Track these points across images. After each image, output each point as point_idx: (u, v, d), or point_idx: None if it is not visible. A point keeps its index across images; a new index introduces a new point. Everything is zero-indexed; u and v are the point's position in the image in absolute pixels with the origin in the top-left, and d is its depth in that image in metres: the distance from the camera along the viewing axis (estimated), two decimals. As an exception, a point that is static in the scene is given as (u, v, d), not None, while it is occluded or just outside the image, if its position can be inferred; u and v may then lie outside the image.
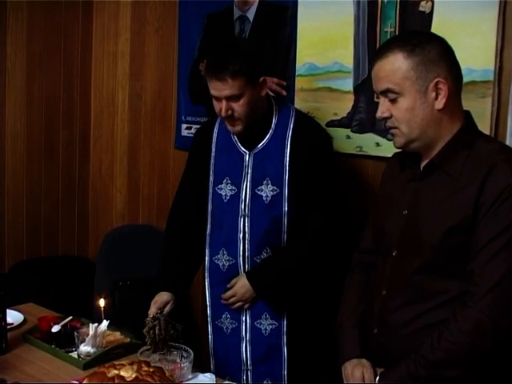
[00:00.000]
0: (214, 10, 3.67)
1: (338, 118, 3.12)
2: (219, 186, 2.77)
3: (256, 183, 2.70)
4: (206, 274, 2.83)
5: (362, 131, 3.05)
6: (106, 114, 4.47)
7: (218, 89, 2.57)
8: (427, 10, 2.82)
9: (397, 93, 2.06)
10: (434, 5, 2.80)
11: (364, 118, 3.03)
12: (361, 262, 2.44)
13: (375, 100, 2.97)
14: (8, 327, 2.55)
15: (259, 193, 2.69)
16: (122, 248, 3.89)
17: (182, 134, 3.93)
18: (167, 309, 2.66)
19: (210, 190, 2.79)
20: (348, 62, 3.07)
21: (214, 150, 2.81)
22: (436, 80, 2.02)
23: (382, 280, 2.21)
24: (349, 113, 3.08)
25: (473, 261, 1.97)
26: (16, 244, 4.20)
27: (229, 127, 2.69)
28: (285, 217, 2.67)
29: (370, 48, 3.00)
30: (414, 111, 2.05)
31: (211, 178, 2.79)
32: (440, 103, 2.04)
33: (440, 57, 2.04)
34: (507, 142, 2.57)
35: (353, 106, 3.07)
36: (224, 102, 2.59)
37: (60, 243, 4.44)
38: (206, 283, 2.84)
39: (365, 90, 3.02)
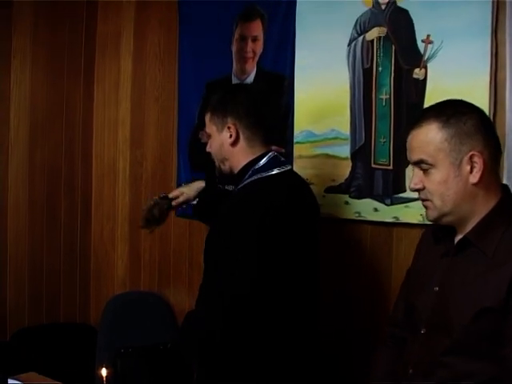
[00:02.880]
0: (212, 78, 3.73)
1: (336, 184, 3.15)
2: None
3: None
4: None
5: (359, 197, 3.07)
6: (106, 180, 4.50)
7: None
8: (421, 77, 2.87)
9: (430, 164, 1.97)
10: (427, 72, 2.85)
11: (361, 183, 3.06)
12: (393, 335, 2.31)
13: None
14: (9, 398, 2.54)
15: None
16: (124, 315, 3.87)
17: (183, 201, 3.95)
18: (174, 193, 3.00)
19: None
20: (345, 128, 3.11)
21: None
22: (471, 153, 1.93)
23: (410, 358, 2.09)
24: (346, 179, 3.11)
25: (508, 346, 1.85)
26: (18, 311, 4.19)
27: None
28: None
29: (366, 115, 3.04)
30: (447, 184, 1.96)
31: None
32: (475, 177, 1.94)
33: (476, 129, 1.95)
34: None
35: (350, 172, 3.09)
36: None
37: (62, 310, 4.42)
38: None
39: (362, 156, 3.06)
